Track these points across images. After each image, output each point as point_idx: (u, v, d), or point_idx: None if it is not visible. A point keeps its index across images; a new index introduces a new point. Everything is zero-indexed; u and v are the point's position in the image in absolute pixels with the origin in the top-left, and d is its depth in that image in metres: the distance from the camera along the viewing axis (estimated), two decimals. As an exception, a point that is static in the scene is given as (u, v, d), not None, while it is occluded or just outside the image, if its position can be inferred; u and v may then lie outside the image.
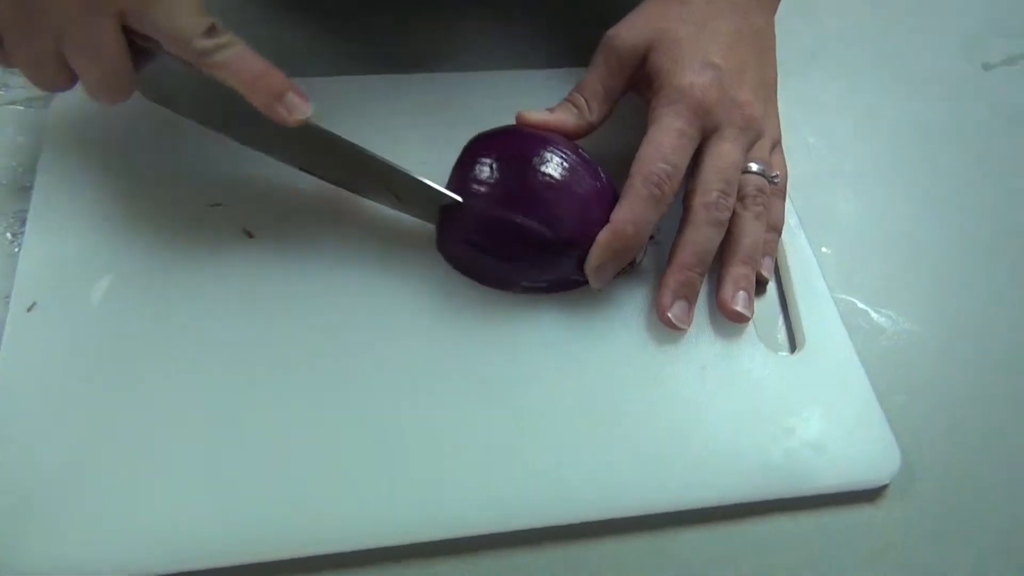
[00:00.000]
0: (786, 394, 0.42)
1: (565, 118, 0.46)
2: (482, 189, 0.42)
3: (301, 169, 0.45)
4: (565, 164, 0.43)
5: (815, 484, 0.40)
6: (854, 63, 0.61)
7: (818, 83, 0.59)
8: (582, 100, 0.46)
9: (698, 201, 0.44)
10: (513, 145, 0.44)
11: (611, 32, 0.47)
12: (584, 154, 0.44)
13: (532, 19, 0.60)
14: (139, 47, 0.40)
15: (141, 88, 0.43)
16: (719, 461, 0.40)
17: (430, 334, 0.42)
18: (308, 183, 0.46)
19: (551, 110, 0.46)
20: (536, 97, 0.47)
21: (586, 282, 0.44)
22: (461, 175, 0.43)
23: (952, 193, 0.54)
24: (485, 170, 0.42)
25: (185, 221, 0.46)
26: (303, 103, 0.40)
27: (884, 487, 0.41)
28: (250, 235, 0.46)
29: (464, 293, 0.44)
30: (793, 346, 0.45)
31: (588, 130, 0.46)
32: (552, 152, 0.43)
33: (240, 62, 0.39)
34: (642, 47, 0.46)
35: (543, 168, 0.42)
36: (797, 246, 0.49)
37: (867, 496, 0.40)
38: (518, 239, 0.42)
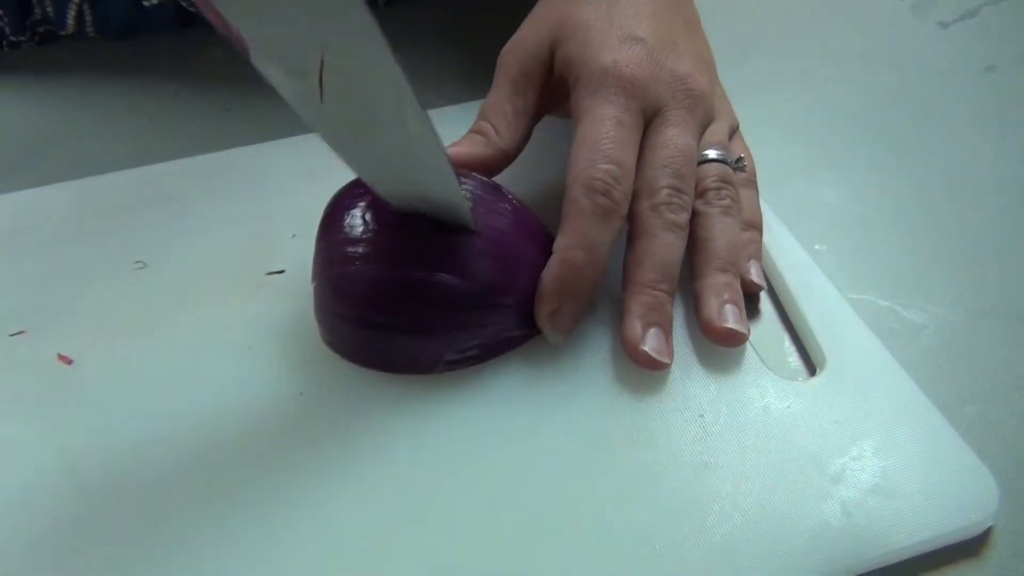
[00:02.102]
0: (820, 431, 0.30)
1: (471, 150, 0.36)
2: (359, 249, 0.31)
3: None
4: (470, 190, 0.32)
5: (893, 544, 0.27)
6: (794, 46, 0.52)
7: (759, 73, 0.50)
8: (487, 126, 0.37)
9: (645, 204, 0.33)
10: None
11: (507, 45, 0.39)
12: (490, 182, 0.34)
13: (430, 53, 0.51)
14: None
15: None
16: (753, 540, 0.27)
17: (339, 454, 0.30)
18: (139, 299, 0.36)
19: (454, 144, 0.36)
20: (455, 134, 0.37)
21: (526, 337, 0.33)
22: (328, 241, 0.32)
23: (942, 158, 0.44)
24: (358, 224, 0.31)
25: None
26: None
27: (987, 531, 0.29)
28: (68, 361, 0.34)
29: (372, 391, 0.32)
30: (812, 368, 0.34)
31: (502, 160, 0.36)
32: None
33: None
34: (545, 45, 0.37)
35: None
36: (783, 245, 0.38)
37: (967, 549, 0.28)
38: (425, 302, 0.31)
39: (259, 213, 0.40)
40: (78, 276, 0.37)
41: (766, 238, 0.37)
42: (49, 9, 0.52)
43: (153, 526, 0.28)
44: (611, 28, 0.36)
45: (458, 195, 0.31)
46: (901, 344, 0.34)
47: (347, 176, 0.32)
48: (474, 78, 0.49)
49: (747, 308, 0.35)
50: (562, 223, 0.33)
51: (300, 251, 0.34)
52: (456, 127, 0.37)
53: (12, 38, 0.54)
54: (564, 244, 0.32)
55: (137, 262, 0.38)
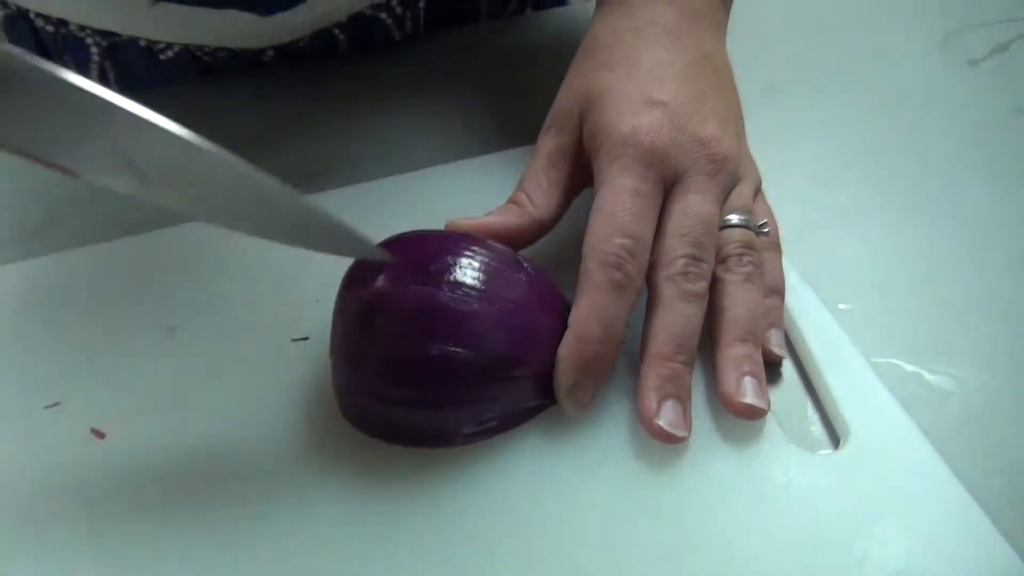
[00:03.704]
0: (845, 510, 0.30)
1: (506, 219, 0.36)
2: (373, 324, 0.31)
3: None
4: (477, 263, 0.32)
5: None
6: (822, 84, 0.52)
7: (784, 113, 0.49)
8: (523, 196, 0.37)
9: (662, 274, 0.33)
10: (406, 254, 0.33)
11: (547, 117, 0.39)
12: (507, 252, 0.34)
13: (460, 105, 0.51)
14: None
15: None
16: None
17: (358, 530, 0.31)
18: (168, 368, 0.36)
19: (490, 214, 0.37)
20: (475, 188, 0.38)
21: (544, 406, 0.33)
22: (344, 315, 0.33)
23: (974, 205, 0.43)
24: (373, 295, 0.32)
25: (16, 425, 0.35)
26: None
27: (1014, 616, 0.28)
28: (100, 435, 0.35)
29: (391, 465, 0.32)
30: (836, 440, 0.33)
31: (537, 229, 0.37)
32: (457, 253, 0.32)
33: None
34: (575, 116, 0.38)
35: (451, 276, 0.32)
36: (807, 307, 0.37)
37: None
38: (441, 376, 0.31)
39: (285, 273, 0.40)
40: (110, 343, 0.38)
41: (789, 300, 0.37)
42: (72, 68, 0.53)
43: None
44: (633, 92, 0.36)
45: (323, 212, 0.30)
46: (927, 411, 0.34)
47: (371, 235, 0.32)
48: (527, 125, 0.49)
49: (769, 374, 0.35)
50: (577, 296, 0.33)
51: (324, 316, 0.34)
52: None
53: None
54: (579, 318, 0.32)
55: (168, 328, 0.38)
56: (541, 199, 0.36)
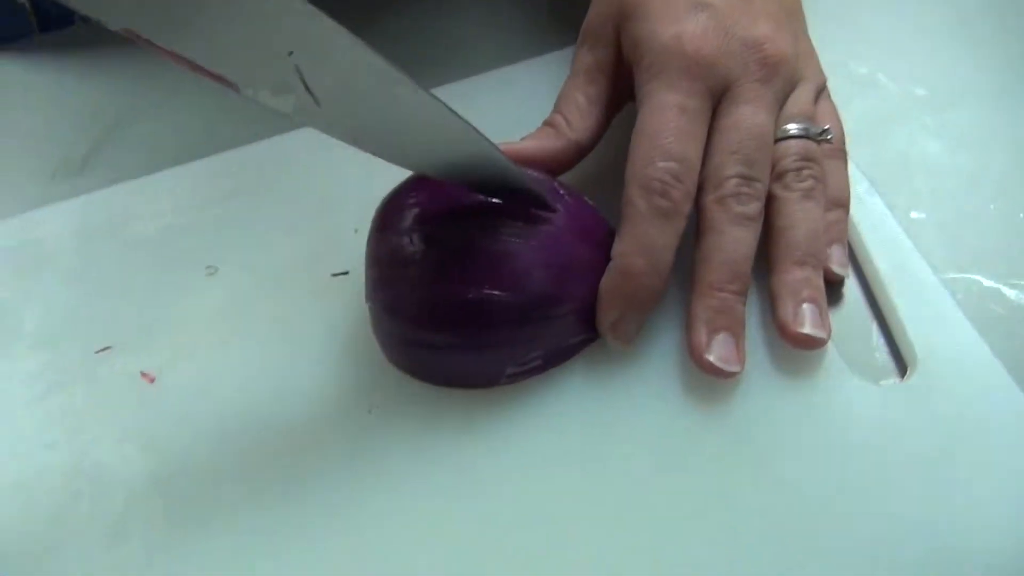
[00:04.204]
0: (913, 446, 0.28)
1: (541, 143, 0.34)
2: (407, 270, 0.30)
3: None
4: None
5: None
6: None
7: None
8: (559, 117, 0.35)
9: (711, 197, 0.31)
10: (436, 194, 0.31)
11: (581, 30, 0.36)
12: (544, 180, 0.32)
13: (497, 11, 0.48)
14: None
15: None
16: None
17: (407, 468, 0.31)
18: (211, 309, 0.36)
19: (525, 138, 0.34)
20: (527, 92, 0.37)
21: (589, 341, 0.32)
22: (378, 261, 0.31)
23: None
24: (405, 242, 0.30)
25: (69, 371, 0.35)
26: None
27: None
28: (150, 379, 0.35)
29: (437, 405, 0.32)
30: (903, 369, 0.31)
31: (575, 152, 0.34)
32: None
33: None
34: (610, 27, 0.35)
35: (486, 210, 0.30)
36: (875, 219, 0.35)
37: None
38: (478, 320, 0.30)
39: (322, 204, 0.39)
40: (154, 284, 0.38)
41: (855, 210, 0.34)
42: None
43: (238, 538, 0.30)
44: None
45: (496, 155, 0.29)
46: (1005, 333, 0.31)
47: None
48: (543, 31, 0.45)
49: (831, 295, 0.32)
50: (620, 227, 0.31)
51: (362, 247, 0.33)
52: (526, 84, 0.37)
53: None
54: (622, 250, 0.30)
55: (208, 267, 0.38)
56: (578, 120, 0.34)
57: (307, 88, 0.25)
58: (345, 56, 0.25)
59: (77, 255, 0.40)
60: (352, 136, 0.27)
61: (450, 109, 0.27)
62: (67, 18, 0.53)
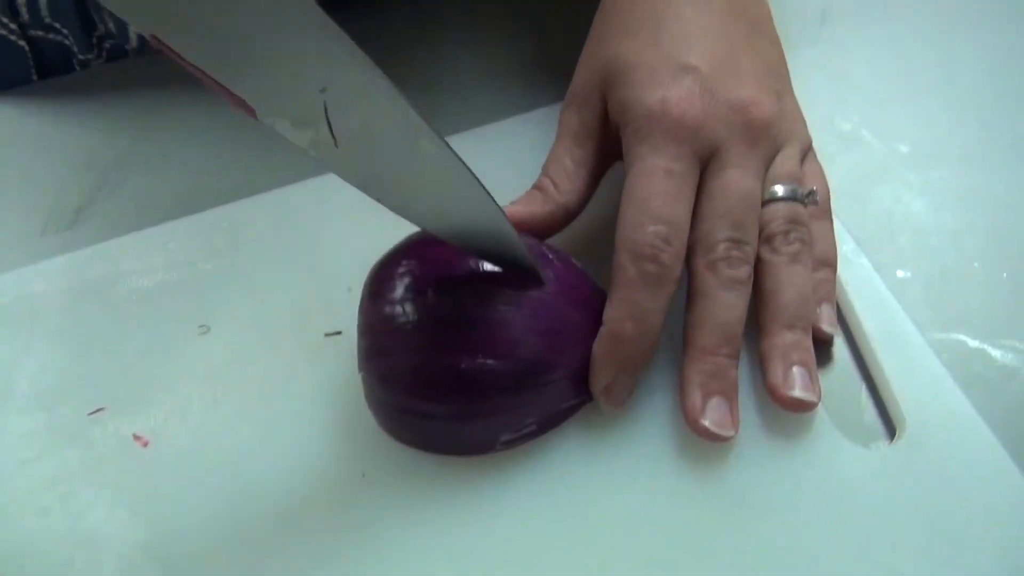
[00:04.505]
0: (900, 510, 0.29)
1: (530, 208, 0.34)
2: (400, 339, 0.30)
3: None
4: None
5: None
6: (883, 7, 0.47)
7: (838, 49, 0.45)
8: (547, 181, 0.35)
9: (702, 261, 0.31)
10: (428, 261, 0.31)
11: (567, 94, 0.37)
12: (533, 245, 0.32)
13: (485, 67, 0.48)
14: None
15: None
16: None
17: (401, 536, 0.31)
18: (204, 370, 0.36)
19: (513, 203, 0.35)
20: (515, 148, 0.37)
21: (583, 404, 0.32)
22: (371, 329, 0.31)
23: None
24: (398, 311, 0.30)
25: (62, 434, 0.35)
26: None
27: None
28: (144, 443, 0.35)
29: (430, 472, 0.32)
30: (892, 431, 0.31)
31: (564, 215, 0.34)
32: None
33: None
34: (597, 91, 0.35)
35: (477, 279, 0.30)
36: (862, 278, 0.35)
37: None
38: (472, 388, 0.30)
39: (316, 262, 0.39)
40: (147, 342, 0.38)
41: (842, 270, 0.35)
42: (111, 24, 0.51)
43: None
44: (659, 60, 0.33)
45: (505, 227, 0.29)
46: (990, 393, 0.32)
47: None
48: (538, 83, 0.46)
49: (820, 355, 0.33)
50: (610, 291, 0.31)
51: (355, 306, 0.34)
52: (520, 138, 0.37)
53: (80, 56, 0.53)
54: (613, 315, 0.31)
55: (201, 326, 0.38)
56: (566, 183, 0.34)
57: (329, 127, 0.24)
58: (377, 102, 0.24)
59: (69, 312, 0.40)
60: (361, 181, 0.27)
61: (471, 172, 0.27)
62: (67, 64, 0.53)
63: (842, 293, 0.35)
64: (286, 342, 0.37)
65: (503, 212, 0.29)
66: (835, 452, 0.30)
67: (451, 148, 0.26)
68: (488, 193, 0.28)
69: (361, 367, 0.31)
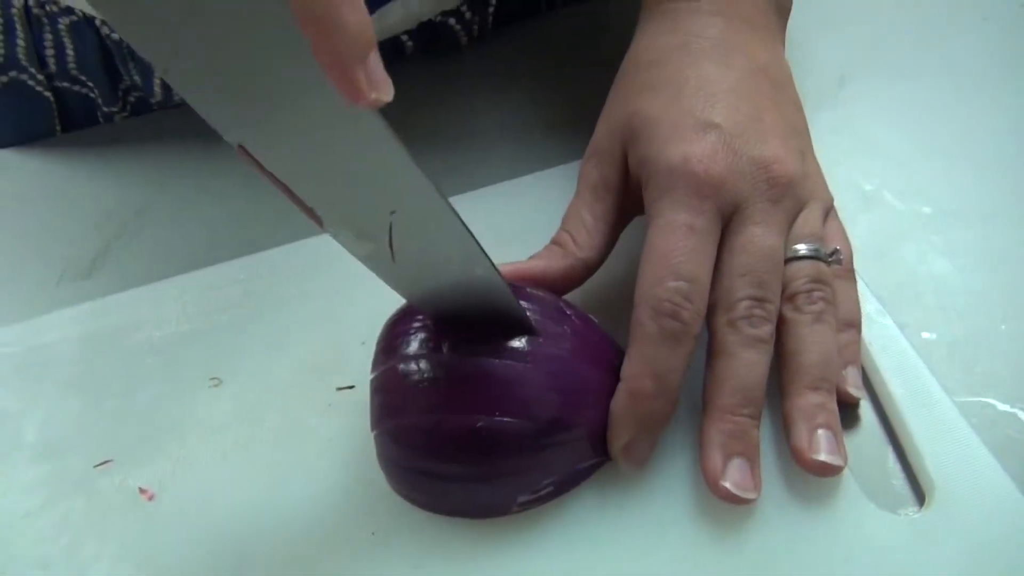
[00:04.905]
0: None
1: (548, 263, 0.34)
2: (415, 398, 0.30)
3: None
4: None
5: None
6: (901, 70, 0.47)
7: (858, 111, 0.45)
8: (566, 236, 0.35)
9: (722, 319, 0.31)
10: (440, 319, 0.31)
11: (587, 150, 0.37)
12: (551, 301, 0.32)
13: (509, 123, 0.48)
14: None
15: None
16: None
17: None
18: (213, 424, 0.36)
19: (532, 257, 0.35)
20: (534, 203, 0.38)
21: (600, 464, 0.32)
22: (384, 389, 0.31)
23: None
24: (412, 367, 0.30)
25: (68, 485, 0.35)
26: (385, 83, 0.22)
27: None
28: (150, 496, 0.34)
29: (444, 534, 0.31)
30: (921, 497, 0.30)
31: (583, 270, 0.34)
32: None
33: None
34: (618, 146, 0.35)
35: (492, 338, 0.30)
36: (887, 340, 0.34)
37: None
38: (488, 448, 0.29)
39: (330, 315, 0.39)
40: (157, 396, 0.38)
41: (866, 331, 0.34)
42: (136, 77, 0.52)
43: None
44: (681, 117, 0.33)
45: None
46: (1022, 457, 0.31)
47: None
48: (559, 140, 0.46)
49: (846, 417, 0.32)
50: (629, 347, 0.30)
51: (368, 360, 0.33)
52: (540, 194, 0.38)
53: (105, 109, 0.54)
54: (631, 373, 0.30)
55: (212, 379, 0.38)
56: (585, 238, 0.34)
57: (391, 245, 0.26)
58: (440, 230, 0.26)
59: (81, 363, 0.39)
60: (405, 287, 0.29)
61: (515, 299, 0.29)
62: (91, 117, 0.54)
63: (866, 354, 0.34)
64: (298, 395, 0.36)
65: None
66: (862, 518, 0.29)
67: (502, 277, 0.29)
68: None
69: (374, 425, 0.31)
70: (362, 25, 0.20)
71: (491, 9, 0.52)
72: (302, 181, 0.23)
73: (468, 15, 0.51)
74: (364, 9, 0.20)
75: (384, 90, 0.21)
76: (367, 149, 0.23)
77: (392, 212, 0.25)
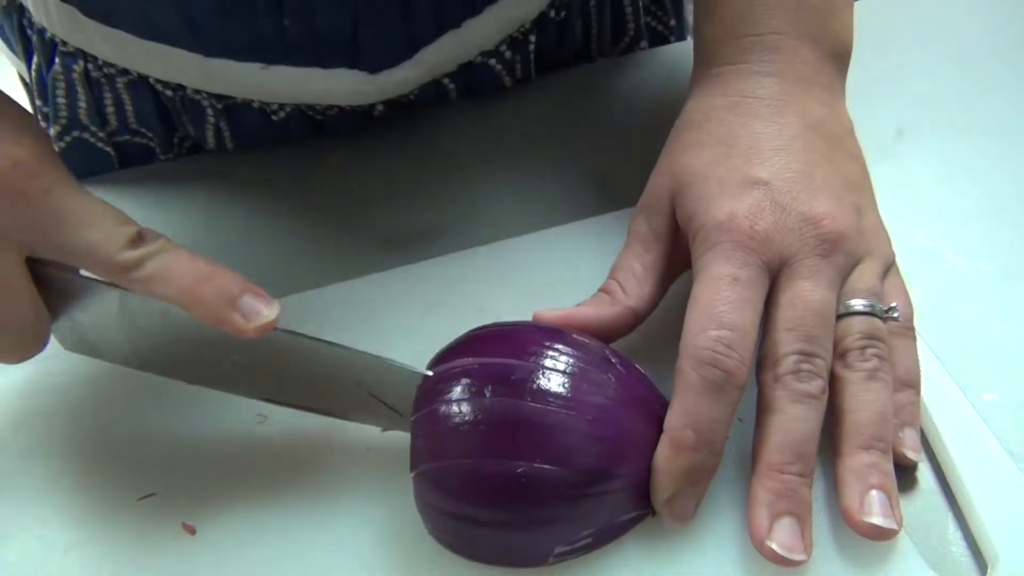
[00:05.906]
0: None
1: (597, 310, 0.34)
2: (455, 441, 0.29)
3: (266, 400, 0.35)
4: (562, 366, 0.30)
5: None
6: (961, 123, 0.46)
7: (916, 164, 0.44)
8: (615, 284, 0.35)
9: (769, 374, 0.30)
10: (485, 360, 0.31)
11: (638, 202, 0.37)
12: (595, 349, 0.32)
13: (554, 170, 0.49)
14: (50, 286, 0.33)
15: (58, 336, 0.36)
16: None
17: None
18: (258, 460, 0.36)
19: (581, 304, 0.34)
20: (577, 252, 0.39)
21: (642, 516, 0.31)
22: (424, 430, 0.31)
23: None
24: (453, 412, 0.29)
25: (111, 518, 0.35)
26: (265, 306, 0.31)
27: None
28: (192, 531, 0.34)
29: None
30: (983, 567, 0.29)
31: (631, 318, 0.34)
32: (540, 354, 0.30)
33: (176, 267, 0.31)
34: (667, 201, 0.35)
35: (535, 383, 0.29)
36: (947, 401, 0.33)
37: None
38: (528, 495, 0.28)
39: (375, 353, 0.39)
40: (203, 430, 0.38)
41: (926, 391, 0.33)
42: (190, 128, 0.53)
43: None
44: (729, 173, 0.33)
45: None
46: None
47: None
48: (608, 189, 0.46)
49: (903, 481, 0.31)
50: (672, 398, 0.30)
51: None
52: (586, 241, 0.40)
53: (162, 157, 0.56)
54: (674, 423, 0.29)
55: (259, 415, 0.38)
56: (634, 287, 0.34)
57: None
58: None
59: (128, 396, 0.40)
60: None
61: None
62: (149, 156, 0.55)
63: (926, 416, 0.33)
64: (342, 436, 0.36)
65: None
66: (921, 587, 0.28)
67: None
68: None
69: (413, 467, 0.31)
70: (220, 290, 0.31)
71: (532, 47, 0.53)
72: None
73: (508, 54, 0.52)
74: (221, 276, 0.31)
75: (261, 318, 0.31)
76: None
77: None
